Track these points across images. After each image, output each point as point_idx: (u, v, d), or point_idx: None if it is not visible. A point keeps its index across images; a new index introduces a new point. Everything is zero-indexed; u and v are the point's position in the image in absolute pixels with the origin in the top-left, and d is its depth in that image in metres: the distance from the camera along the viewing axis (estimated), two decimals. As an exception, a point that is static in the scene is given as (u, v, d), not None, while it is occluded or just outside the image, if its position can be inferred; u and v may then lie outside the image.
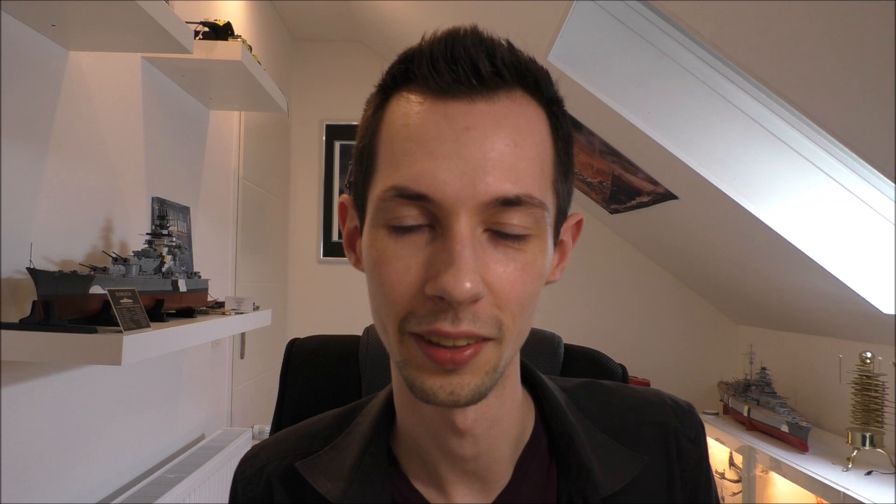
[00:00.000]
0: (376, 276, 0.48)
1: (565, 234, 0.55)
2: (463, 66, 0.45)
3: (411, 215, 0.46)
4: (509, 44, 0.49)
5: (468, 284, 0.43)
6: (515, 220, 0.46)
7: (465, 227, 0.45)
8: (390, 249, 0.47)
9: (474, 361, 0.46)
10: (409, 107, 0.47)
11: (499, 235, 0.46)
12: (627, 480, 0.54)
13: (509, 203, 0.45)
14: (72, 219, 1.29)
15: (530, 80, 0.49)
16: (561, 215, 0.52)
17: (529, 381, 0.59)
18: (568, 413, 0.57)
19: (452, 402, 0.46)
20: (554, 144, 0.50)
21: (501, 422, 0.53)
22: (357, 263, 0.54)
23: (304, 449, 0.59)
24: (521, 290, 0.46)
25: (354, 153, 0.53)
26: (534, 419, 0.58)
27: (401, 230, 0.46)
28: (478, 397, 0.47)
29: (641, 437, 0.58)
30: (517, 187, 0.45)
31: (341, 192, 3.19)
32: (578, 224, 0.57)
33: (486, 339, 0.46)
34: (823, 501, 1.76)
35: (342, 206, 0.57)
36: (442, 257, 0.44)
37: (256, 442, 0.64)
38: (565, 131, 0.51)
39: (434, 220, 0.46)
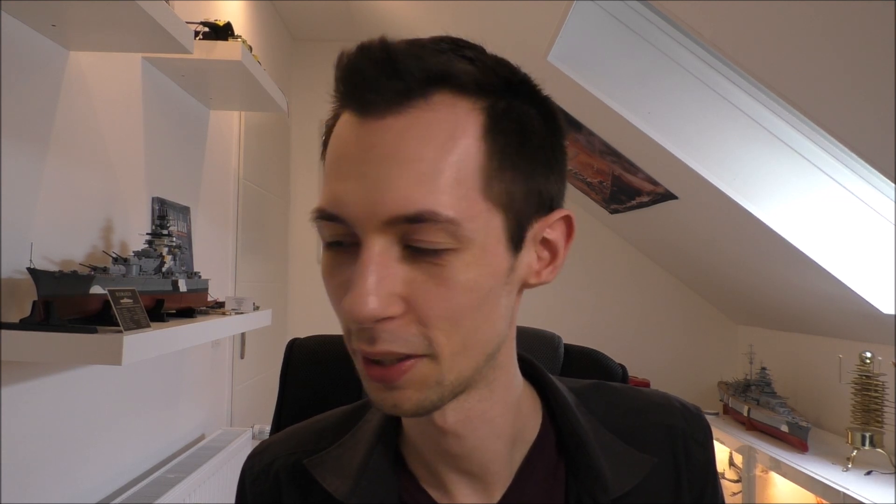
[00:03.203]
0: (327, 292, 0.49)
1: (551, 233, 0.52)
2: (368, 84, 0.44)
3: (336, 235, 0.47)
4: (435, 43, 0.47)
5: (370, 306, 0.43)
6: (424, 237, 0.44)
7: (374, 247, 0.44)
8: (328, 267, 0.48)
9: (409, 378, 0.46)
10: (340, 128, 0.48)
11: (416, 251, 0.45)
12: (636, 482, 0.54)
13: (412, 220, 0.44)
14: (72, 219, 1.29)
15: (453, 80, 0.45)
16: (520, 217, 0.48)
17: (536, 378, 0.59)
18: (577, 413, 0.57)
19: (398, 413, 0.48)
20: (488, 145, 0.46)
21: (492, 422, 0.53)
22: None
23: (312, 446, 0.59)
24: (445, 305, 0.45)
25: None
26: (540, 418, 0.57)
27: (334, 247, 0.48)
28: (423, 411, 0.47)
29: (649, 438, 0.57)
30: (418, 204, 0.43)
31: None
32: (566, 220, 0.52)
33: (415, 357, 0.46)
34: (823, 501, 1.76)
35: None
36: (353, 278, 0.45)
37: (257, 442, 0.64)
38: (518, 124, 0.47)
39: (356, 238, 0.46)
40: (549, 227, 0.51)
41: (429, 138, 0.44)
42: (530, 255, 0.50)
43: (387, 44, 0.45)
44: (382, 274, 0.44)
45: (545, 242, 0.52)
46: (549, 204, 0.50)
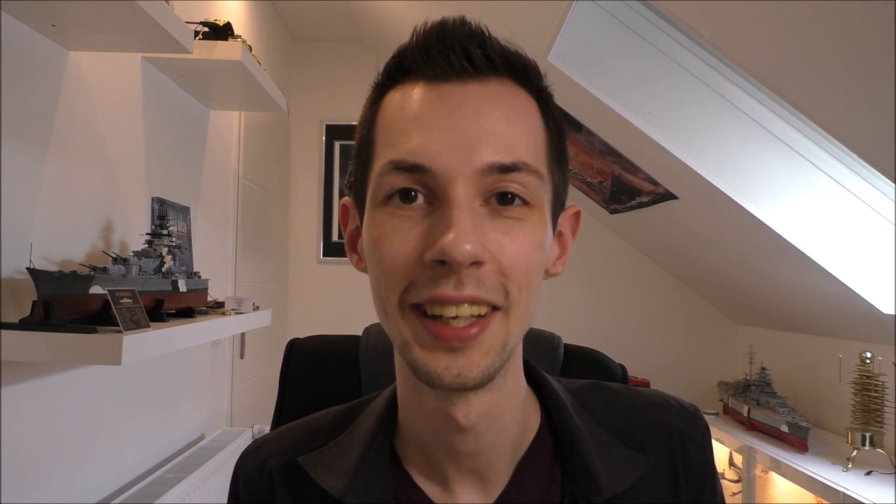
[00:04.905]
0: (376, 253, 0.48)
1: (564, 225, 0.55)
2: (455, 53, 0.47)
3: (405, 189, 0.47)
4: (497, 37, 0.51)
5: (468, 245, 0.44)
6: (513, 187, 0.47)
7: (463, 195, 0.46)
8: (388, 225, 0.48)
9: (482, 338, 0.46)
10: (404, 93, 0.49)
11: (497, 207, 0.47)
12: (632, 482, 0.54)
13: (506, 169, 0.46)
14: (72, 219, 1.28)
15: (520, 69, 0.50)
16: (558, 200, 0.53)
17: (534, 380, 0.59)
18: (573, 413, 0.57)
19: (459, 385, 0.46)
20: (546, 129, 0.51)
21: (502, 417, 0.53)
22: (359, 263, 0.54)
23: (306, 444, 0.59)
24: (525, 259, 0.47)
25: (353, 150, 0.54)
26: (539, 419, 0.58)
27: (399, 206, 0.47)
28: (486, 379, 0.47)
29: (646, 438, 0.58)
30: (512, 155, 0.46)
31: (341, 192, 3.19)
32: (577, 216, 0.57)
33: (493, 309, 0.47)
34: (823, 501, 1.76)
35: (343, 207, 0.58)
36: (440, 225, 0.45)
37: (256, 442, 0.65)
38: (557, 122, 0.53)
39: (431, 193, 0.47)
40: (565, 221, 0.55)
41: (512, 106, 0.48)
42: (553, 242, 0.54)
43: (469, 22, 0.49)
44: (475, 223, 0.46)
45: (559, 235, 0.55)
46: (564, 199, 0.54)
